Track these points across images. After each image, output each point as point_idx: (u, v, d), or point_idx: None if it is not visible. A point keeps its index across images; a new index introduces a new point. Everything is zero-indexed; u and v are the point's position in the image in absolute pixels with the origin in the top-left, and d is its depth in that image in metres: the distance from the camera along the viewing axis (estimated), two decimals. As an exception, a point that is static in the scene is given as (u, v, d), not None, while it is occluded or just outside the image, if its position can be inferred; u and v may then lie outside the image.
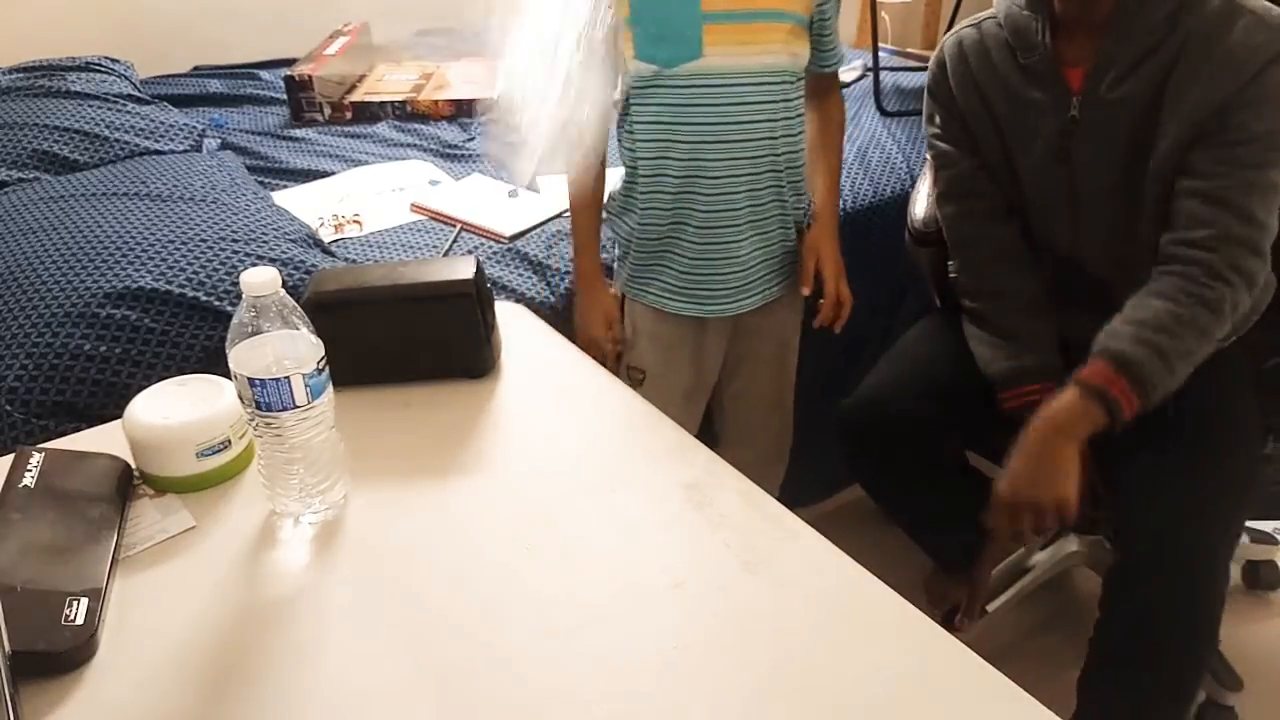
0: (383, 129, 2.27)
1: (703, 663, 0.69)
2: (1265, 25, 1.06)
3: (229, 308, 1.41)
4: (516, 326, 1.11)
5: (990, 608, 1.55)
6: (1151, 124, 1.12)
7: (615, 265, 1.47)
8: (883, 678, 0.68)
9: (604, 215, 1.45)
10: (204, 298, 1.43)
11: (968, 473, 1.40)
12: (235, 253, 1.51)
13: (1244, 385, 1.27)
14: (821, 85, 1.43)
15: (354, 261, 1.64)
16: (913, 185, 1.73)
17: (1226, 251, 1.08)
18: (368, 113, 2.34)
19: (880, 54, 2.43)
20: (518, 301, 1.47)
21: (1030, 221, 1.29)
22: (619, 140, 1.40)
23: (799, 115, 1.35)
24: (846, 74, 2.52)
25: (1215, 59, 1.07)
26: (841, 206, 1.89)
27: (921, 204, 1.53)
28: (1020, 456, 1.11)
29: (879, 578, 0.77)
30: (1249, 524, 1.70)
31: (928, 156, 1.40)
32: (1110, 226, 1.20)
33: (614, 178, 1.44)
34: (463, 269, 1.02)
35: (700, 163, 1.30)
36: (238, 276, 0.86)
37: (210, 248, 1.51)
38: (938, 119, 1.32)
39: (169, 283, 1.43)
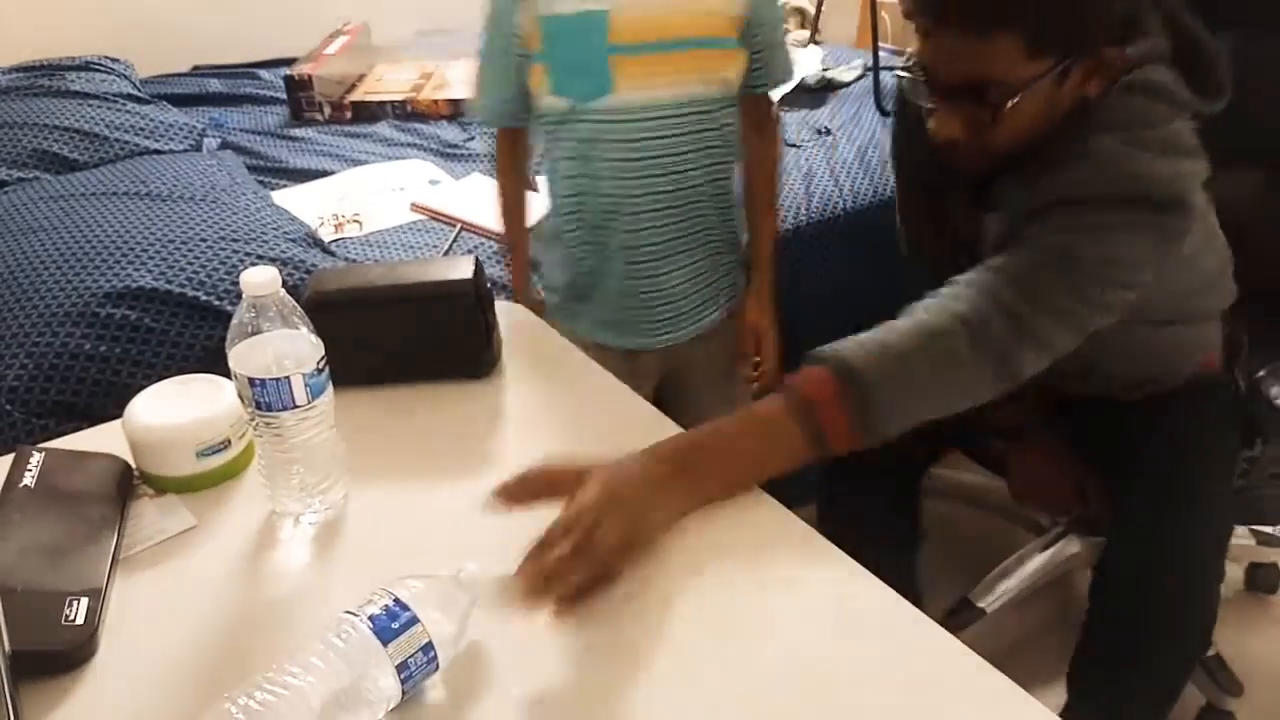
0: (382, 128, 2.27)
1: (701, 662, 0.69)
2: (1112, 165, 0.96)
3: (229, 307, 1.41)
4: (517, 326, 1.11)
5: (990, 608, 1.55)
6: None
7: (545, 295, 1.45)
8: (883, 678, 0.68)
9: (531, 244, 1.44)
10: (204, 297, 1.43)
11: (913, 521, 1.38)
12: (235, 252, 1.51)
13: (1224, 401, 1.26)
14: (753, 111, 1.36)
15: (354, 261, 1.65)
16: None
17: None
18: (367, 112, 2.34)
19: (880, 53, 2.42)
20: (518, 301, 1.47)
21: None
22: (540, 175, 1.38)
23: (724, 144, 1.30)
24: (846, 74, 2.52)
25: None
26: (841, 206, 1.89)
27: None
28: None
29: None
30: (1256, 527, 1.70)
31: None
32: None
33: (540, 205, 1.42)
34: (463, 268, 1.02)
35: (619, 198, 1.26)
36: (237, 276, 0.86)
37: (210, 247, 1.51)
38: (899, 141, 1.28)
39: (169, 282, 1.43)
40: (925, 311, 0.93)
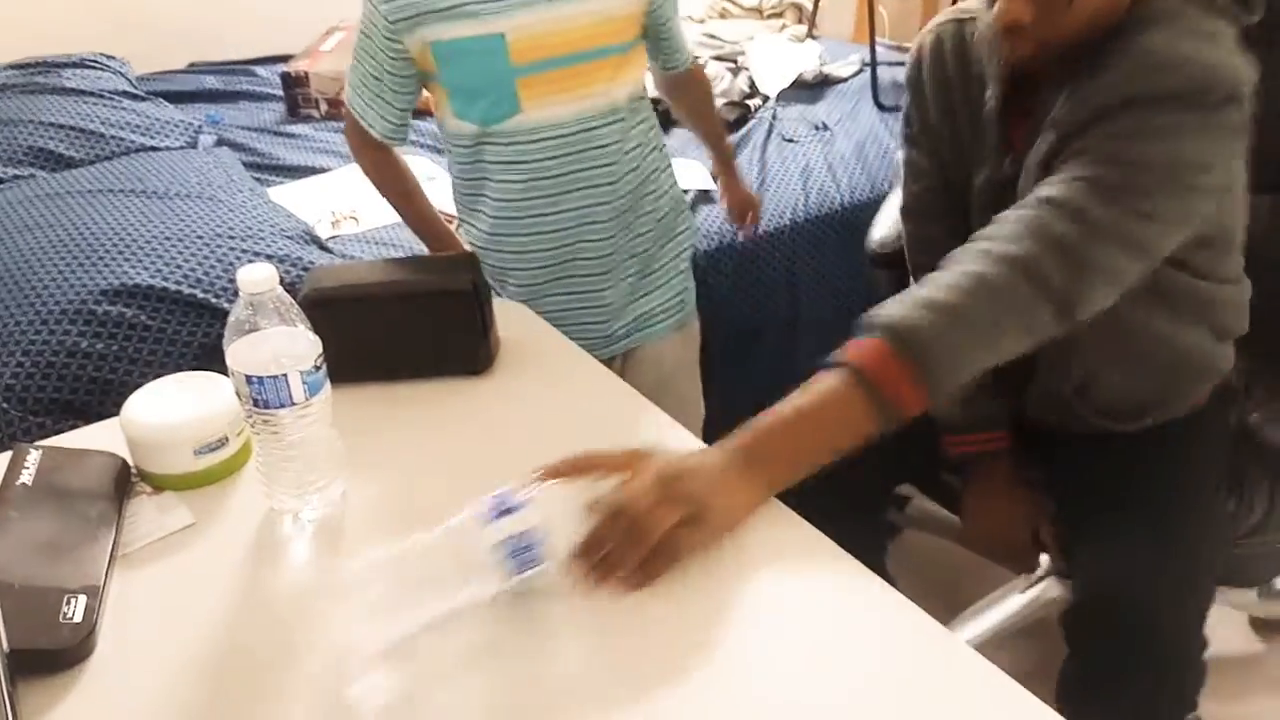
0: (378, 124, 2.26)
1: (702, 661, 0.69)
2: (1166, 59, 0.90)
3: (226, 305, 1.41)
4: (514, 323, 1.11)
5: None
6: None
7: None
8: (883, 678, 0.68)
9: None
10: (201, 295, 1.43)
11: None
12: (232, 249, 1.51)
13: (1217, 440, 1.15)
14: (675, 81, 1.41)
15: (351, 258, 1.64)
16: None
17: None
18: (364, 109, 2.33)
19: (877, 48, 2.42)
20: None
21: None
22: (458, 200, 1.34)
23: (638, 146, 1.27)
24: (843, 69, 2.52)
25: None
26: (838, 202, 1.90)
27: (884, 222, 1.44)
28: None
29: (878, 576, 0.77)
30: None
31: (898, 159, 1.26)
32: None
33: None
34: (461, 266, 1.02)
35: (539, 218, 1.24)
36: (234, 273, 0.86)
37: (207, 245, 1.51)
38: (914, 122, 1.18)
39: (166, 280, 1.42)
40: (970, 259, 0.86)
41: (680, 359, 1.44)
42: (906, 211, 1.25)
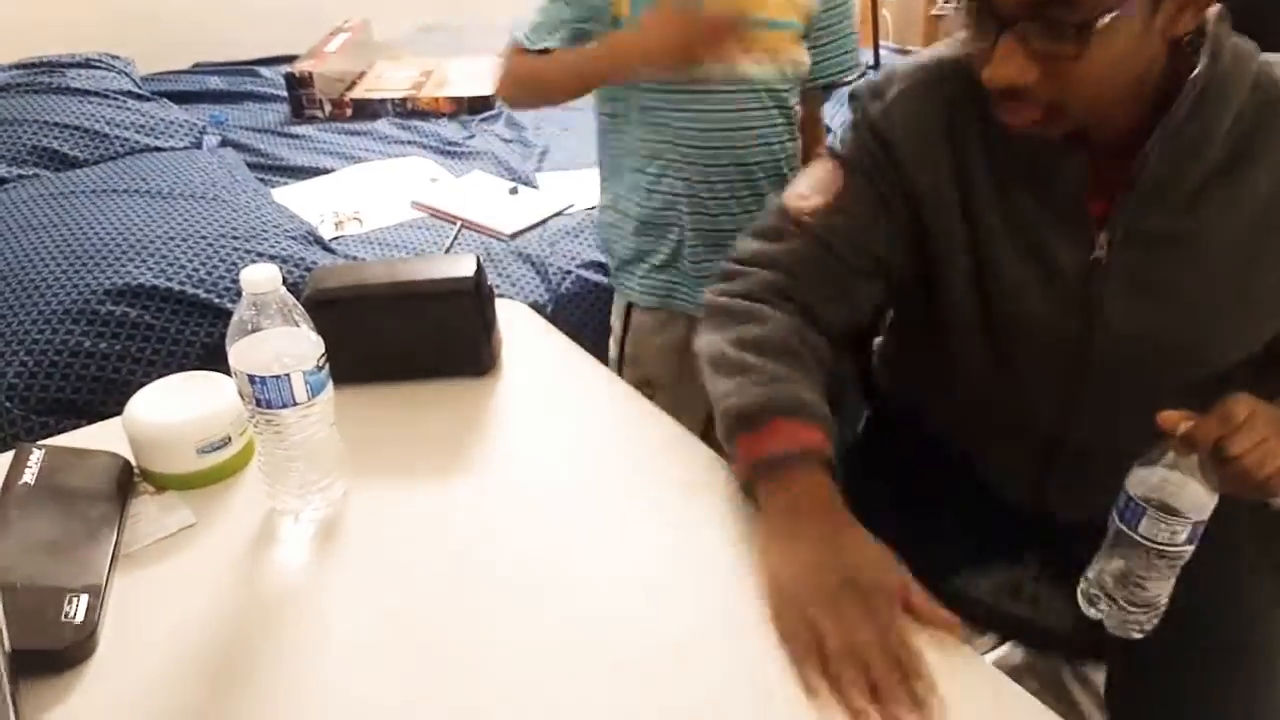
0: (383, 126, 2.27)
1: (703, 662, 0.69)
2: None
3: (229, 305, 1.41)
4: (517, 324, 1.11)
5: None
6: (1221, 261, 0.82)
7: (615, 276, 1.43)
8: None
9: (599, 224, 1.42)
10: (204, 295, 1.43)
11: None
12: (235, 250, 1.51)
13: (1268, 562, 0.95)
14: (806, 105, 1.35)
15: (354, 258, 1.65)
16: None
17: None
18: (368, 109, 2.34)
19: (882, 52, 2.43)
20: (518, 299, 1.47)
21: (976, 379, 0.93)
22: (605, 144, 1.34)
23: (789, 134, 1.30)
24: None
25: None
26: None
27: None
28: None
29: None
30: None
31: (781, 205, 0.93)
32: (1128, 399, 0.86)
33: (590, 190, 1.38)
34: (463, 266, 1.02)
35: (688, 172, 1.26)
36: (238, 274, 0.86)
37: (210, 245, 1.51)
38: (852, 192, 0.90)
39: (169, 279, 1.43)
40: None
41: None
42: (774, 259, 0.91)
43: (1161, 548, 0.74)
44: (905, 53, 2.85)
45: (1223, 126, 0.79)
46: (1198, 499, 0.72)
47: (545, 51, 1.22)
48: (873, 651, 0.67)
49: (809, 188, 0.90)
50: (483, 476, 0.89)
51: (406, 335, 1.01)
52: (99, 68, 2.20)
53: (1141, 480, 0.74)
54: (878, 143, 0.88)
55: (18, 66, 2.17)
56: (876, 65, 2.38)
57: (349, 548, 0.81)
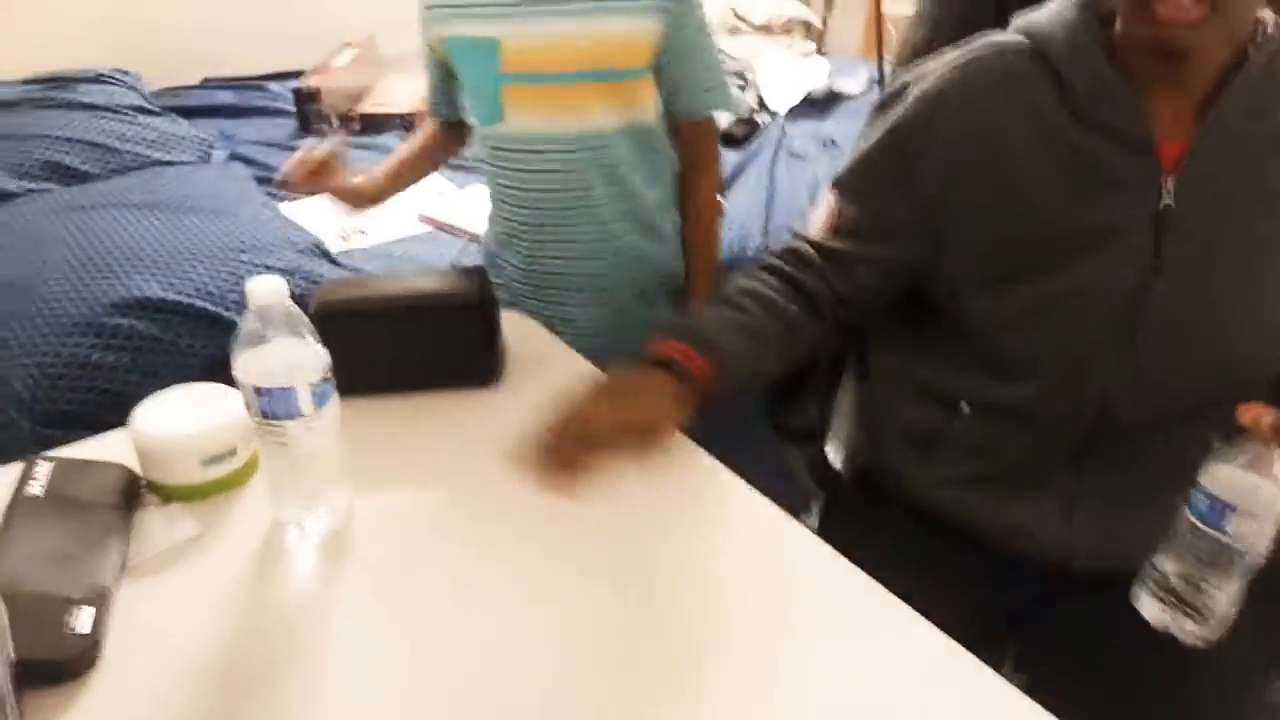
0: (390, 140, 2.28)
1: (703, 663, 0.69)
2: None
3: (236, 317, 1.42)
4: (522, 336, 1.11)
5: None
6: None
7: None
8: (882, 678, 0.68)
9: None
10: (211, 308, 1.43)
11: None
12: (243, 263, 1.52)
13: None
14: (685, 138, 1.25)
15: (360, 271, 1.65)
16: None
17: None
18: (375, 124, 2.35)
19: (885, 65, 2.43)
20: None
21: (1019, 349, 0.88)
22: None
23: (639, 176, 1.21)
24: (852, 85, 2.52)
25: None
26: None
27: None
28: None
29: (877, 580, 0.77)
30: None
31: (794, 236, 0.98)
32: (1191, 362, 0.85)
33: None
34: (468, 279, 1.02)
35: (514, 224, 1.25)
36: (244, 286, 0.86)
37: (217, 258, 1.52)
38: (874, 200, 0.92)
39: (177, 292, 1.43)
40: None
41: None
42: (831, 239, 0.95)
43: (1244, 549, 0.69)
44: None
45: None
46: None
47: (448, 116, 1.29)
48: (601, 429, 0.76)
49: (814, 223, 0.96)
50: (487, 488, 0.89)
51: (412, 347, 1.01)
52: (109, 83, 2.22)
53: (1222, 476, 0.69)
54: (917, 109, 0.89)
55: (29, 82, 2.19)
56: (881, 80, 2.38)
57: (354, 559, 0.81)
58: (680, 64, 1.18)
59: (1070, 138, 0.84)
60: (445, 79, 1.26)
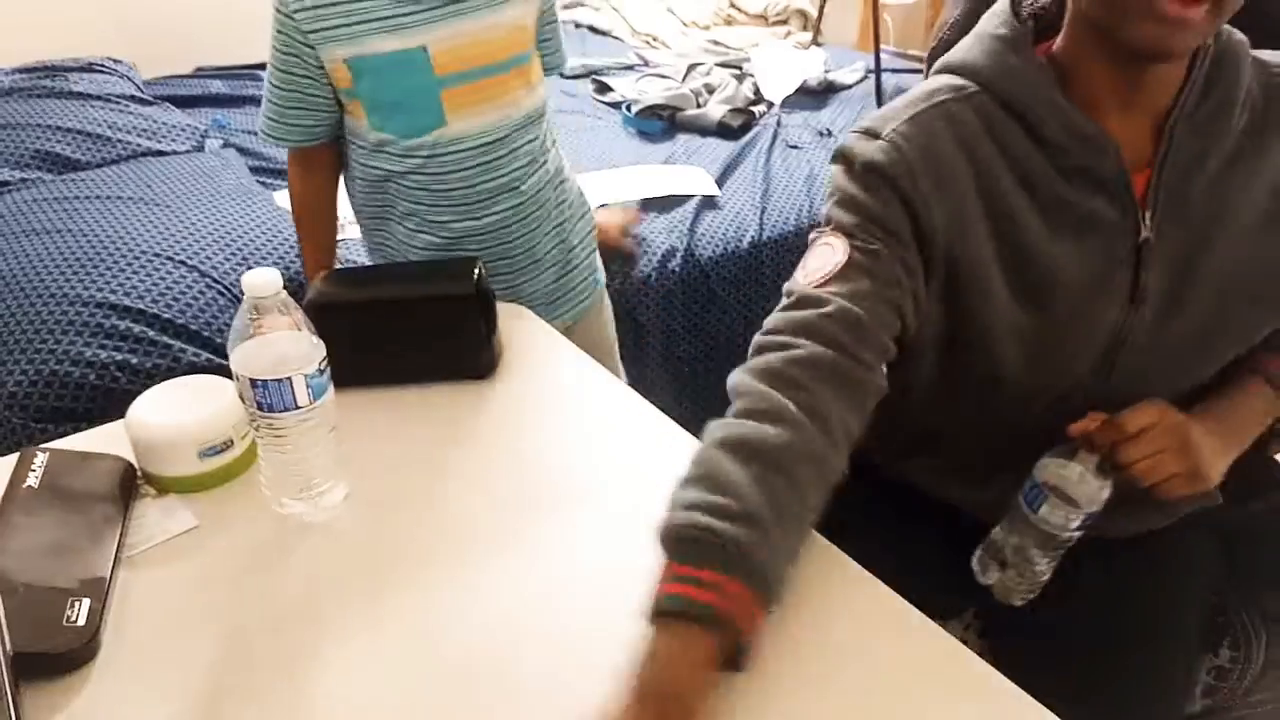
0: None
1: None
2: None
3: (231, 309, 1.42)
4: (518, 328, 1.11)
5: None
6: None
7: None
8: (882, 678, 0.68)
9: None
10: (206, 300, 1.43)
11: None
12: (237, 253, 1.52)
13: (1196, 575, 0.97)
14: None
15: (356, 263, 1.65)
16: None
17: None
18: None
19: (882, 55, 2.43)
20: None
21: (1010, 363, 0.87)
22: (360, 207, 1.31)
23: (550, 148, 1.28)
24: (848, 75, 2.52)
25: None
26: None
27: None
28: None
29: (877, 577, 0.77)
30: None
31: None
32: (1169, 382, 0.88)
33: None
34: (464, 271, 1.02)
35: (466, 225, 1.24)
36: (239, 278, 0.86)
37: (211, 249, 1.52)
38: (898, 228, 0.81)
39: (170, 286, 1.43)
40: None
41: (598, 339, 1.43)
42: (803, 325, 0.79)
43: (1054, 531, 0.83)
44: (907, 58, 2.86)
45: (1239, 96, 0.81)
46: (1092, 493, 0.81)
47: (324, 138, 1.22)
48: None
49: (815, 268, 0.83)
50: (484, 479, 0.89)
51: (408, 339, 1.01)
52: (101, 72, 2.21)
53: (1048, 469, 0.83)
54: (879, 178, 0.81)
55: (20, 70, 2.18)
56: (878, 69, 2.38)
57: (350, 551, 0.82)
58: (551, 29, 1.29)
59: (1055, 190, 0.82)
60: (311, 103, 1.18)
